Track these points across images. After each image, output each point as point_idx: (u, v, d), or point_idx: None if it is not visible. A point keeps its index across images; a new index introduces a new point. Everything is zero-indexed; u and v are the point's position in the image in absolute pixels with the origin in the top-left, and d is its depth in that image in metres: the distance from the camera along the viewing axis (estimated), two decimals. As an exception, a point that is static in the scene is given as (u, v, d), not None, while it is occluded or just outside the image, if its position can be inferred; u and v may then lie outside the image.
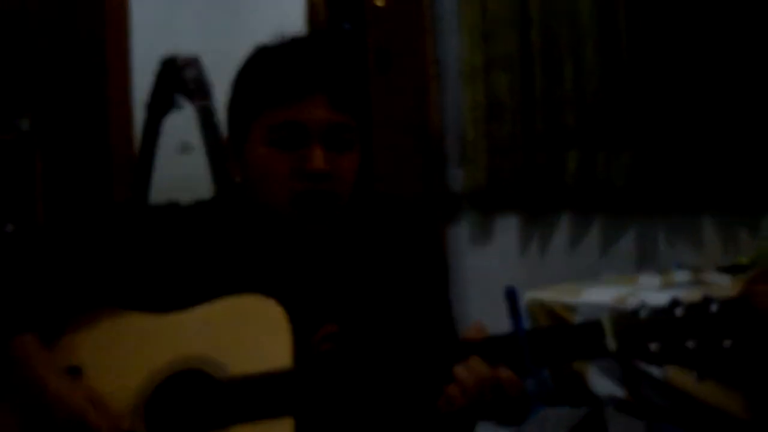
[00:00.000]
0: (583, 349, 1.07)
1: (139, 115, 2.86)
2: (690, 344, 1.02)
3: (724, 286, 2.50)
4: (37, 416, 1.14)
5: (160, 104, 2.80)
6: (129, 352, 1.19)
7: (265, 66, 1.20)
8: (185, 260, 1.23)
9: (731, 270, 2.72)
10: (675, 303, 1.05)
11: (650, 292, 2.47)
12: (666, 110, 2.98)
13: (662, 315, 1.05)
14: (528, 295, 2.48)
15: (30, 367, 1.14)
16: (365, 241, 1.26)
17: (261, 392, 1.09)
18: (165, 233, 1.25)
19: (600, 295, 2.45)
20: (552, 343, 1.07)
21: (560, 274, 2.99)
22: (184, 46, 2.83)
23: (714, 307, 1.03)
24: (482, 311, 1.95)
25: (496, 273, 3.43)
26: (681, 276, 2.70)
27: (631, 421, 2.25)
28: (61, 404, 1.12)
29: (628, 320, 1.06)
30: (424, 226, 1.31)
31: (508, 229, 3.50)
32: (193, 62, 2.73)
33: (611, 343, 1.04)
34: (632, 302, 2.36)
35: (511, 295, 1.09)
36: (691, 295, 2.26)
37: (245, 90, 1.22)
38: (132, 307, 1.21)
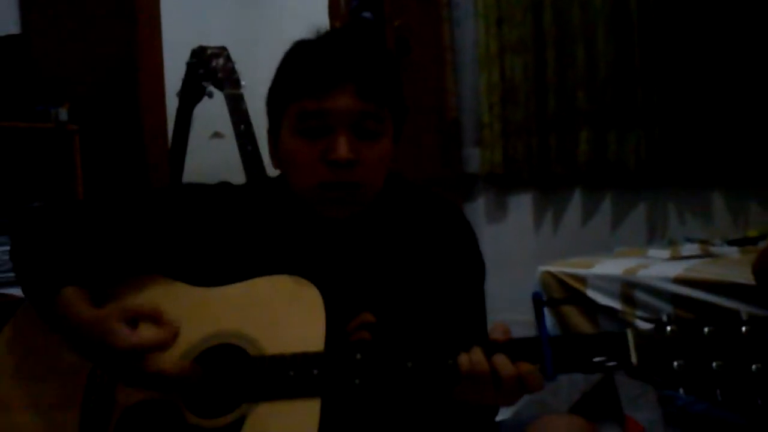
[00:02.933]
0: (605, 361, 1.03)
1: (171, 104, 2.90)
2: (715, 365, 0.98)
3: (732, 257, 2.58)
4: (99, 353, 1.13)
5: (191, 93, 2.82)
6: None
7: (297, 59, 1.20)
8: (229, 238, 1.24)
9: (740, 243, 2.79)
10: (703, 320, 1.00)
11: (659, 263, 2.53)
12: (675, 89, 3.04)
13: (689, 332, 1.00)
14: (541, 268, 2.54)
15: (76, 312, 1.14)
16: (402, 232, 1.25)
17: (291, 372, 1.08)
18: (213, 212, 1.26)
19: (610, 268, 2.51)
20: (574, 352, 1.04)
21: (573, 248, 3.06)
22: (212, 37, 2.88)
23: (744, 328, 0.98)
24: (498, 285, 2.01)
25: (511, 248, 3.52)
26: (689, 249, 2.78)
27: (641, 386, 2.29)
28: (109, 326, 1.11)
29: (652, 335, 1.01)
30: (460, 221, 1.30)
31: (522, 206, 3.57)
32: (222, 52, 2.75)
33: (633, 356, 1.00)
34: (641, 273, 2.43)
35: (538, 301, 1.06)
36: (700, 267, 2.30)
37: (279, 82, 1.22)
38: (175, 278, 1.23)
